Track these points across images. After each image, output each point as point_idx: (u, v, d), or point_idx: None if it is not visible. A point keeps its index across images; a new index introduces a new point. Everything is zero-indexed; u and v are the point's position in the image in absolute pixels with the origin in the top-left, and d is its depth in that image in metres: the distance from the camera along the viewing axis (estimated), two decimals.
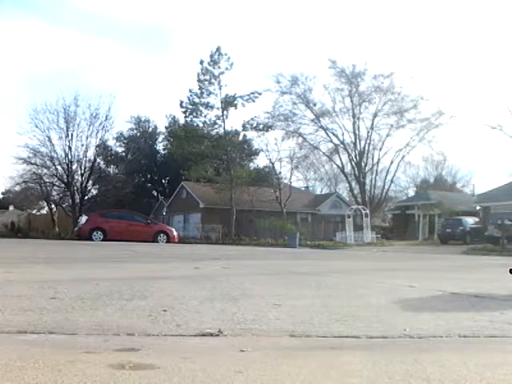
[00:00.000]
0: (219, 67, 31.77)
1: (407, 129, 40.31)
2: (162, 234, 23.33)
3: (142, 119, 50.17)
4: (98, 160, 40.59)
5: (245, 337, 2.05)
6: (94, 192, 41.82)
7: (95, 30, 67.13)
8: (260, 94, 33.23)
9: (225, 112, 32.59)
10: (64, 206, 40.36)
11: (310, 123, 41.14)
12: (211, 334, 2.05)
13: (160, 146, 50.74)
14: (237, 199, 33.46)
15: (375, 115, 40.36)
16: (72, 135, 35.68)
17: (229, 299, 3.11)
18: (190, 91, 32.64)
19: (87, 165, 36.99)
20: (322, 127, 41.21)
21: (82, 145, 36.20)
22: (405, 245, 26.67)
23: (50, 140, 35.37)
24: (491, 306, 3.22)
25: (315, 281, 4.91)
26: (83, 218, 23.89)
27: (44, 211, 46.03)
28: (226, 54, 31.79)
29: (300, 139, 40.43)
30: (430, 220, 36.08)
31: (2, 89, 59.97)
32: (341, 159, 42.69)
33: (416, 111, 39.15)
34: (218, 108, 32.66)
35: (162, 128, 50.21)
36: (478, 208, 34.78)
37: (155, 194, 51.18)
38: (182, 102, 32.95)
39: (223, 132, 33.25)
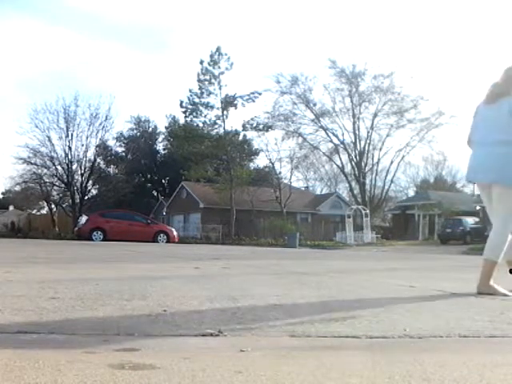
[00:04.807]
0: (219, 67, 31.82)
1: (407, 129, 40.33)
2: (161, 234, 23.37)
3: (142, 119, 50.23)
4: (98, 160, 40.68)
5: (245, 337, 2.05)
6: (94, 192, 41.88)
7: (95, 30, 67.22)
8: (260, 93, 33.32)
9: (225, 112, 32.63)
10: (64, 206, 40.42)
11: (309, 123, 41.18)
12: (211, 334, 2.05)
13: (160, 146, 50.78)
14: (237, 199, 33.48)
15: (375, 115, 40.38)
16: (72, 135, 35.76)
17: (229, 299, 3.11)
18: (190, 91, 32.69)
19: (87, 165, 37.06)
20: (322, 127, 41.23)
21: (82, 145, 36.28)
22: (405, 245, 26.70)
23: (50, 140, 35.46)
24: (491, 305, 3.22)
25: (315, 281, 4.91)
26: (83, 218, 23.94)
27: (44, 211, 46.10)
28: (226, 54, 31.86)
29: (300, 139, 40.47)
30: (430, 220, 36.11)
31: (2, 89, 59.96)
32: (341, 159, 42.70)
33: (416, 111, 39.21)
34: (218, 108, 32.71)
35: (162, 128, 50.26)
36: (477, 208, 34.77)
37: (155, 193, 51.19)
38: (182, 102, 33.00)
39: (223, 132, 33.27)
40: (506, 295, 3.71)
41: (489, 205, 4.01)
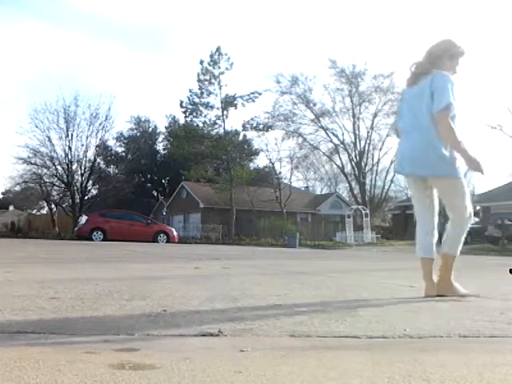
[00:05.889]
0: (219, 67, 31.81)
1: None
2: (162, 234, 23.35)
3: (142, 119, 50.25)
4: (98, 160, 40.70)
5: (245, 337, 2.05)
6: (94, 192, 41.89)
7: (95, 30, 67.29)
8: (260, 94, 33.31)
9: (225, 112, 32.61)
10: (64, 206, 40.42)
11: (310, 123, 41.16)
12: (211, 334, 2.05)
13: (160, 146, 50.79)
14: (237, 199, 33.47)
15: (375, 115, 40.36)
16: (72, 135, 35.77)
17: (229, 299, 3.11)
18: (190, 91, 32.70)
19: (87, 165, 37.07)
20: (322, 127, 41.20)
21: (82, 145, 36.28)
22: (405, 245, 26.64)
23: (50, 140, 35.47)
24: (491, 305, 3.23)
25: (315, 281, 4.91)
26: (83, 218, 23.90)
27: (44, 211, 46.11)
28: (226, 54, 31.87)
29: (300, 139, 40.45)
30: None
31: (2, 89, 60.00)
32: (341, 159, 42.67)
33: None
34: (217, 108, 32.70)
35: (162, 128, 50.28)
36: (478, 208, 34.78)
37: (155, 193, 51.18)
38: (182, 102, 32.99)
39: (223, 132, 33.26)
40: (466, 295, 3.49)
41: (419, 198, 3.67)
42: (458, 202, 3.52)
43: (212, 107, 32.43)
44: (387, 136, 40.21)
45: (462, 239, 3.58)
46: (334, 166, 44.62)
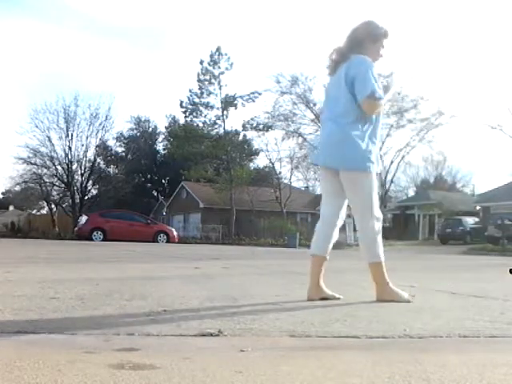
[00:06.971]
0: (219, 67, 31.81)
1: (407, 129, 40.14)
2: (162, 234, 23.35)
3: (142, 119, 50.21)
4: (98, 160, 40.72)
5: (245, 337, 2.05)
6: (94, 192, 41.89)
7: (95, 30, 67.29)
8: (260, 94, 33.26)
9: (225, 112, 32.60)
10: (64, 206, 40.41)
11: (310, 123, 41.01)
12: (211, 334, 2.05)
13: (160, 146, 50.75)
14: (237, 199, 33.45)
15: None
16: (72, 135, 35.80)
17: (229, 299, 3.11)
18: (190, 91, 32.69)
19: (87, 165, 37.09)
20: None
21: (82, 145, 36.32)
22: (405, 245, 26.66)
23: (50, 140, 35.51)
24: (491, 305, 3.22)
25: None
26: (83, 218, 23.89)
27: (44, 211, 46.10)
28: (226, 54, 31.86)
29: (300, 139, 40.33)
30: (430, 220, 36.09)
31: (2, 89, 60.01)
32: None
33: (416, 111, 39.05)
34: (217, 108, 32.67)
35: (162, 128, 50.24)
36: (477, 208, 34.79)
37: (155, 194, 51.14)
38: (181, 102, 32.99)
39: (223, 132, 33.24)
40: (408, 301, 3.17)
41: (328, 191, 3.54)
42: (362, 199, 3.27)
43: (212, 107, 32.45)
44: (387, 136, 40.17)
45: (379, 240, 3.26)
46: None
